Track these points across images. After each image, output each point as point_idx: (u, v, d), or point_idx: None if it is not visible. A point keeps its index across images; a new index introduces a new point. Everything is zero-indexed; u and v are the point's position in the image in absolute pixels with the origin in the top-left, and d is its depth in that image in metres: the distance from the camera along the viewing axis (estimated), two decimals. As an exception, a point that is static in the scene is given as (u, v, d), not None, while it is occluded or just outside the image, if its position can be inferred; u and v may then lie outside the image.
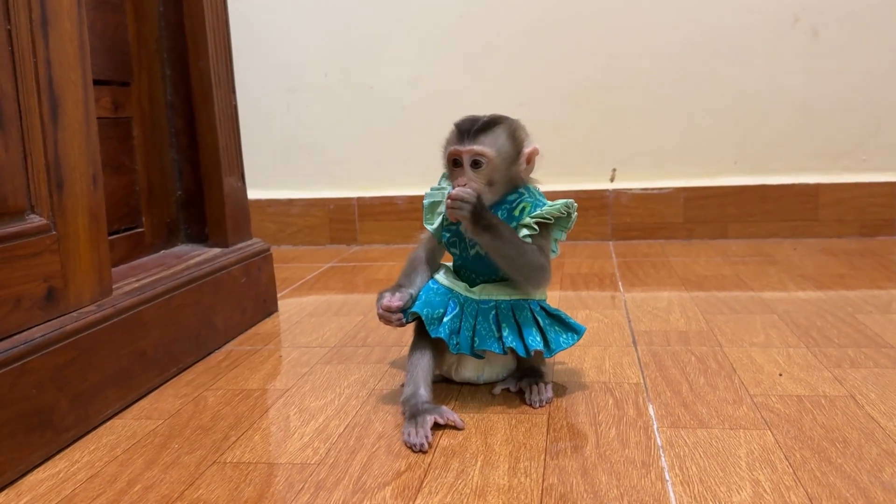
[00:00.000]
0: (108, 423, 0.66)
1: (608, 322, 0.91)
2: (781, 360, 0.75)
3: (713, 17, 1.40)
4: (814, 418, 0.61)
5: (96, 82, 0.72)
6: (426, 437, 0.58)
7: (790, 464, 0.53)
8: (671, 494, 0.50)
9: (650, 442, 0.58)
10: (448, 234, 0.68)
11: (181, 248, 0.94)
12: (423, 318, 0.65)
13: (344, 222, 1.56)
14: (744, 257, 1.27)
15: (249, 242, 0.99)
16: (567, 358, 0.78)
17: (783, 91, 1.40)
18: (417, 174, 1.49)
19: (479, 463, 0.55)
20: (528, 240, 0.64)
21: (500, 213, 0.65)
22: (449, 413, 0.61)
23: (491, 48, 1.47)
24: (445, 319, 0.65)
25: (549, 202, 0.66)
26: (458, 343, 0.64)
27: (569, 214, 0.66)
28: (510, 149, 0.65)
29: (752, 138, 1.42)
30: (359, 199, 1.55)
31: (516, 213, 0.65)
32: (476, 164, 0.64)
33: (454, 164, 0.65)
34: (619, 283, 1.12)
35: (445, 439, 0.60)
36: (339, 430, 0.63)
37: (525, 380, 0.67)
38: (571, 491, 0.51)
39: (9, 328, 0.57)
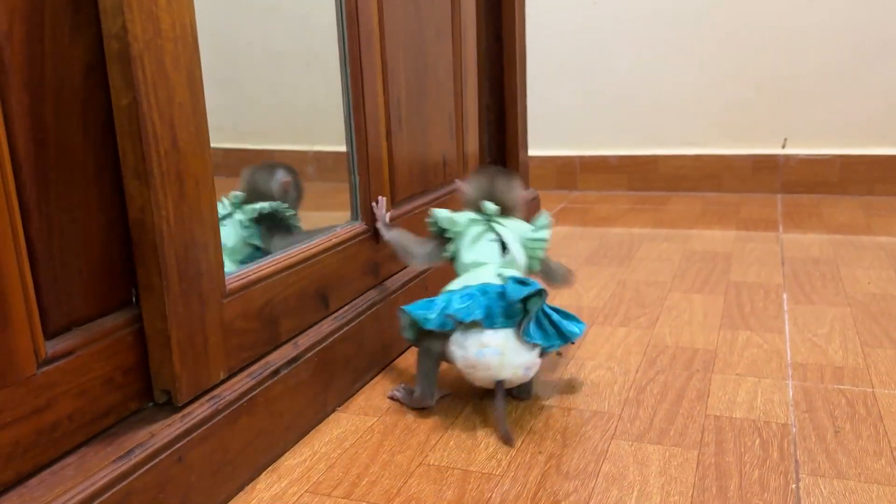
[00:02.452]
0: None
1: (766, 251, 1.41)
2: (874, 274, 1.22)
3: (870, 23, 1.77)
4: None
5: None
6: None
7: (856, 321, 1.04)
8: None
9: (781, 310, 1.09)
10: None
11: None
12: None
13: (567, 174, 2.12)
14: (880, 211, 1.68)
15: (532, 191, 1.58)
16: (743, 274, 1.30)
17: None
18: (620, 138, 2.03)
19: (634, 493, 0.66)
20: None
21: None
22: None
23: (692, 43, 1.94)
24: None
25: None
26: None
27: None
28: None
29: (902, 117, 1.80)
30: (580, 156, 2.10)
31: None
32: None
33: None
34: (780, 227, 1.59)
35: (607, 466, 0.70)
36: (622, 295, 1.20)
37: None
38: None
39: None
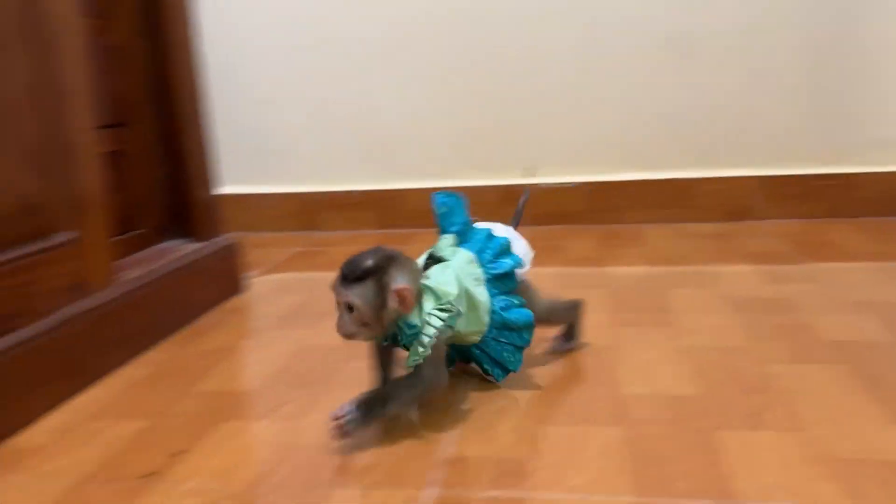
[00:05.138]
0: (120, 370, 0.98)
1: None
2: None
3: (605, 41, 1.69)
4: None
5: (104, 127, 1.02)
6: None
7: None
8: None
9: (469, 375, 0.89)
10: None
11: (172, 243, 1.25)
12: None
13: (309, 213, 1.87)
14: (620, 239, 1.58)
15: (223, 237, 1.30)
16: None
17: (659, 101, 1.70)
18: (370, 172, 1.82)
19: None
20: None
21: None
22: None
23: (423, 68, 1.77)
24: None
25: (428, 325, 0.73)
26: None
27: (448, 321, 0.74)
28: (376, 298, 0.72)
29: (639, 139, 1.72)
30: (321, 192, 1.86)
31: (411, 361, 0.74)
32: (350, 308, 0.73)
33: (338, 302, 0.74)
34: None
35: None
36: (289, 370, 0.94)
37: None
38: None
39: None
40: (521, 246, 0.88)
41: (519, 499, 0.62)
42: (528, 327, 0.83)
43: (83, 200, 0.95)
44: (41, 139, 0.88)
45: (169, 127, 1.23)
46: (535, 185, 1.75)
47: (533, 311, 0.84)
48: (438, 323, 0.74)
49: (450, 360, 0.84)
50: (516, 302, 0.84)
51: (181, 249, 1.21)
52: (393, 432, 0.75)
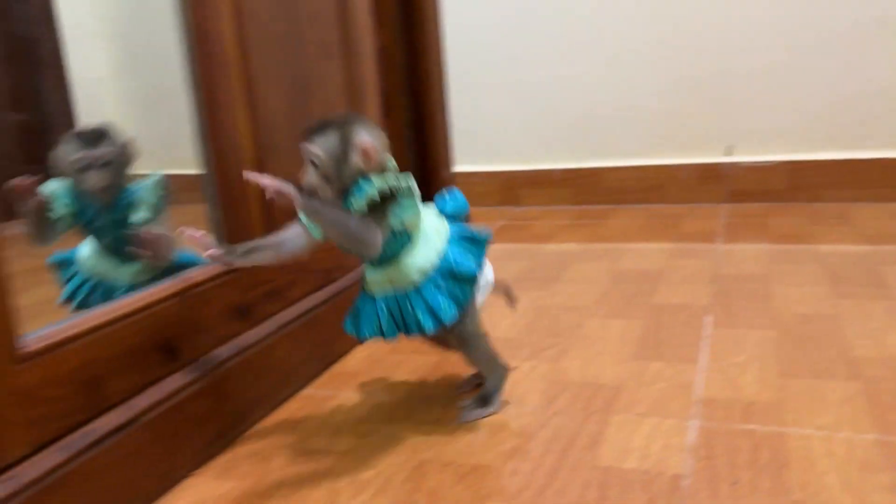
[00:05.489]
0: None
1: (698, 268, 1.33)
2: (806, 291, 1.15)
3: (804, 20, 1.71)
4: (808, 325, 1.01)
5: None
6: None
7: (778, 346, 0.95)
8: (703, 357, 0.94)
9: (699, 336, 1.01)
10: None
11: (416, 216, 1.46)
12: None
13: (511, 190, 2.04)
14: (825, 218, 1.61)
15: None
16: (669, 294, 1.21)
17: (867, 79, 1.70)
18: (568, 152, 1.95)
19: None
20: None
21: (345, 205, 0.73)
22: None
23: (624, 50, 1.87)
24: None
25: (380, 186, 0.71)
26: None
27: (395, 192, 0.72)
28: (337, 150, 0.71)
29: (844, 118, 1.73)
30: (523, 171, 2.03)
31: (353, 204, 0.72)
32: (313, 163, 0.72)
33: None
34: (720, 239, 1.52)
35: (583, 331, 1.04)
36: (536, 323, 1.11)
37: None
38: (650, 354, 0.96)
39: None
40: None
41: (774, 432, 0.75)
42: (471, 280, 0.77)
43: (372, 179, 1.16)
44: (348, 130, 1.10)
45: (419, 116, 1.43)
46: (736, 163, 1.82)
47: (461, 330, 0.80)
48: (392, 178, 0.72)
49: (393, 329, 0.77)
50: (472, 255, 0.78)
51: (428, 220, 1.42)
52: (641, 378, 0.90)
